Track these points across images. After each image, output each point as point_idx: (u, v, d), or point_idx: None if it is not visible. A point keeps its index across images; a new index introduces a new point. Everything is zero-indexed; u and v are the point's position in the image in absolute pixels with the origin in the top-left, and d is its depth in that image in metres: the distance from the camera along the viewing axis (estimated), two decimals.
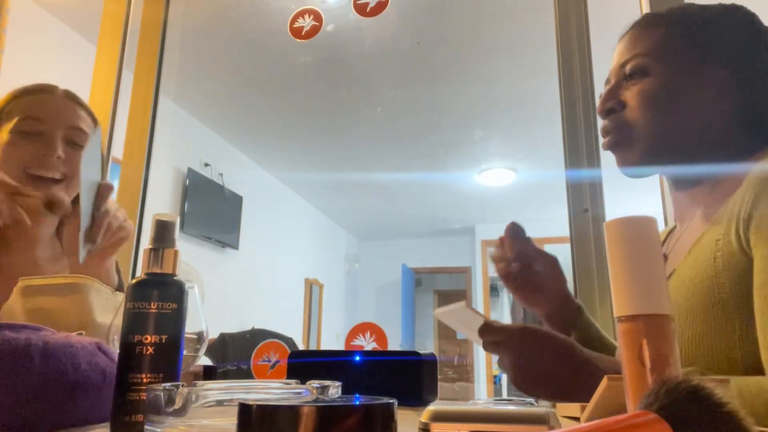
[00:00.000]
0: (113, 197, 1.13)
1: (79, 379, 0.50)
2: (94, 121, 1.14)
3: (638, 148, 0.75)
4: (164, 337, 0.45)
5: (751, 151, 0.70)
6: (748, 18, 0.75)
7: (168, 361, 0.45)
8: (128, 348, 0.45)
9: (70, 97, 1.12)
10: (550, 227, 3.72)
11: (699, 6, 0.77)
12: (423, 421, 0.37)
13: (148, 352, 0.45)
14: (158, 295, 0.46)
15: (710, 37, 0.74)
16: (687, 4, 0.79)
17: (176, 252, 0.48)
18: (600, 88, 0.84)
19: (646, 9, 1.29)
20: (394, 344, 5.71)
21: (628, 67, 0.77)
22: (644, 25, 0.78)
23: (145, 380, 0.44)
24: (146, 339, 0.45)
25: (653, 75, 0.74)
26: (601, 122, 0.80)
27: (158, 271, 0.47)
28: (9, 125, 1.04)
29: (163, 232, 0.48)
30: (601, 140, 0.80)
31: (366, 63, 3.25)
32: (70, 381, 0.49)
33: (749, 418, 0.25)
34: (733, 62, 0.72)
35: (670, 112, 0.73)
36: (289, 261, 5.55)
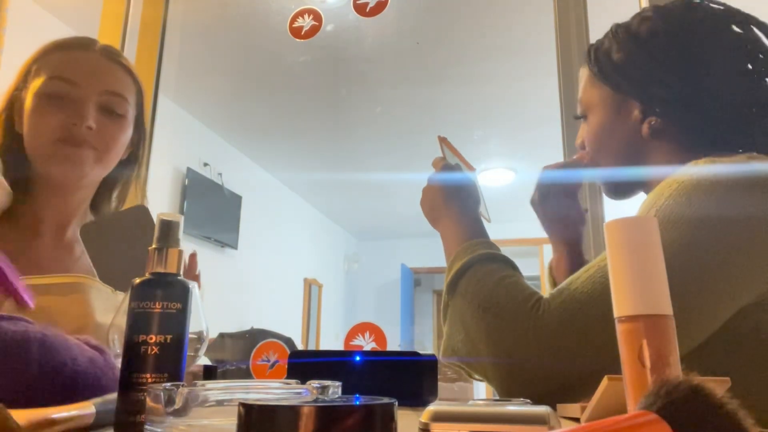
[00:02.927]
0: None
1: (78, 369, 0.51)
2: (137, 86, 0.98)
3: (603, 186, 0.87)
4: (169, 336, 0.45)
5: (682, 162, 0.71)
6: (683, 27, 0.74)
7: (172, 360, 0.45)
8: (132, 348, 0.45)
9: (110, 56, 0.95)
10: None
11: (626, 31, 0.79)
12: (423, 421, 0.37)
13: (152, 352, 0.45)
14: (162, 295, 0.46)
15: (620, 74, 0.78)
16: (610, 31, 0.81)
17: (180, 252, 0.48)
18: None
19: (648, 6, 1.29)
20: (393, 344, 5.71)
21: (577, 112, 0.87)
22: (583, 64, 0.85)
23: (149, 380, 0.44)
24: (151, 339, 0.45)
25: (589, 119, 0.84)
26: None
27: (162, 270, 0.47)
28: (35, 86, 0.88)
29: (167, 231, 0.48)
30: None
31: (366, 63, 3.25)
32: (69, 372, 0.50)
33: (749, 418, 0.25)
34: (644, 93, 0.75)
35: (605, 152, 0.82)
36: (289, 261, 5.55)
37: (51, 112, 0.87)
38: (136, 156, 1.02)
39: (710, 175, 0.61)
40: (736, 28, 0.73)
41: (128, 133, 0.96)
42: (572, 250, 0.95)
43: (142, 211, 0.85)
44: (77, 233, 0.94)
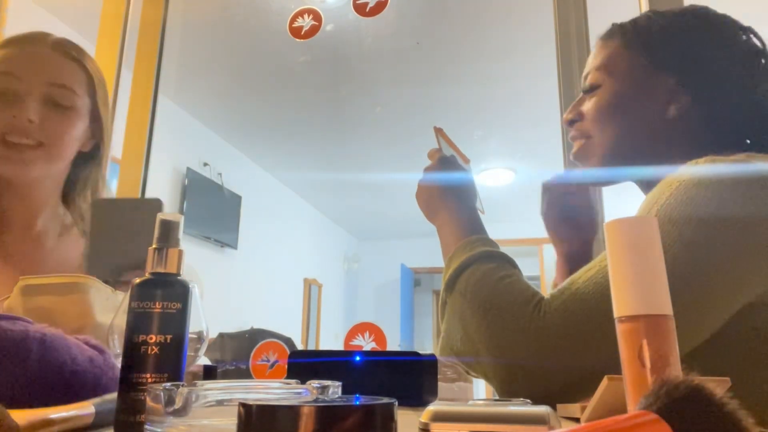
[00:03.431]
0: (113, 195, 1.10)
1: (77, 369, 0.51)
2: (89, 78, 0.96)
3: (595, 160, 0.80)
4: (169, 336, 0.45)
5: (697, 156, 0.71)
6: (706, 23, 0.76)
7: (172, 360, 0.45)
8: (133, 348, 0.45)
9: (59, 48, 0.94)
10: None
11: (658, 14, 0.78)
12: (423, 421, 0.37)
13: (152, 352, 0.45)
14: (162, 295, 0.46)
15: (659, 46, 0.75)
16: (645, 14, 0.80)
17: (180, 251, 0.48)
18: None
19: (645, 9, 1.29)
20: (393, 344, 5.71)
21: (586, 81, 0.81)
22: (604, 38, 0.82)
23: (149, 380, 0.44)
24: (151, 339, 0.45)
25: (603, 88, 0.78)
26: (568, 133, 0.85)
27: (162, 270, 0.47)
28: None
29: (167, 231, 0.48)
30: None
31: (365, 63, 3.25)
32: (69, 371, 0.50)
33: (750, 418, 0.25)
34: (682, 69, 0.74)
35: (617, 123, 0.77)
36: (288, 261, 5.55)
37: None
38: (95, 153, 1.01)
39: (711, 174, 0.60)
40: (742, 34, 0.74)
41: (79, 125, 0.95)
42: (580, 259, 0.92)
43: (156, 205, 0.84)
44: (48, 227, 0.96)
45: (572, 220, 0.94)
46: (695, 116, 0.73)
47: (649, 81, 0.75)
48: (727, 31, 0.75)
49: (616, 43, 0.79)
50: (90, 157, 1.02)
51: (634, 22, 0.79)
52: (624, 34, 0.78)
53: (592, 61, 0.82)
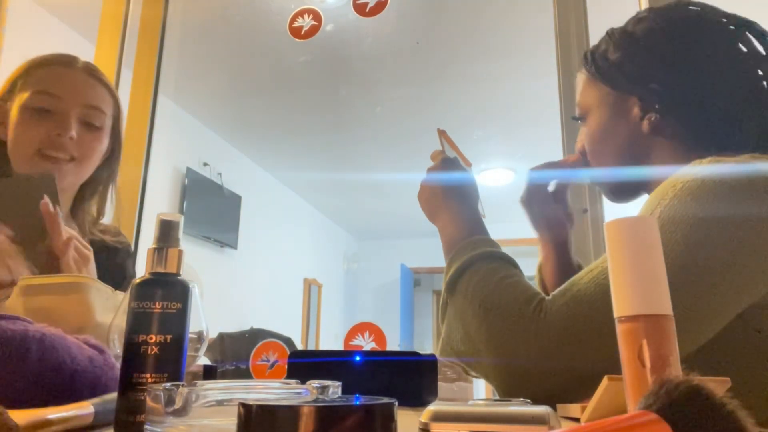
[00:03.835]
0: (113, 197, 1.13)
1: (77, 369, 0.51)
2: (114, 100, 1.07)
3: (605, 191, 0.86)
4: (169, 336, 0.45)
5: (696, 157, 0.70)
6: (662, 26, 0.75)
7: (172, 360, 0.45)
8: (132, 348, 0.45)
9: (91, 72, 1.04)
10: None
11: (613, 32, 0.80)
12: (423, 421, 0.37)
13: (152, 352, 0.45)
14: (162, 295, 0.46)
15: (615, 72, 0.78)
16: (605, 34, 0.82)
17: (180, 251, 0.48)
18: None
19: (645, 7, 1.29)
20: (393, 344, 5.70)
21: (576, 113, 0.86)
22: (579, 70, 0.85)
23: (149, 380, 0.44)
24: (150, 339, 0.45)
25: (588, 122, 0.83)
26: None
27: (162, 270, 0.47)
28: (21, 99, 0.97)
29: (167, 231, 0.48)
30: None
31: (365, 63, 3.25)
32: (68, 371, 0.50)
33: (749, 418, 0.25)
34: (639, 88, 0.75)
35: (607, 154, 0.81)
36: (288, 261, 5.55)
37: (36, 123, 0.96)
38: (110, 162, 1.10)
39: (714, 175, 0.60)
40: (732, 28, 0.73)
41: (105, 143, 1.05)
42: (559, 250, 0.95)
43: (47, 181, 0.88)
44: None
45: (549, 219, 0.96)
46: (666, 126, 0.74)
47: (618, 105, 0.78)
48: (707, 29, 0.73)
49: (584, 77, 0.83)
50: (99, 170, 1.09)
51: (594, 49, 0.82)
52: (587, 65, 0.82)
53: (577, 94, 0.86)
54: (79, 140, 0.98)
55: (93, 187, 1.09)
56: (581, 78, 0.85)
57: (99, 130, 1.02)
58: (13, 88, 1.00)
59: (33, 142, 0.96)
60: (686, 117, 0.73)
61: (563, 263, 0.94)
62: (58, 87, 0.98)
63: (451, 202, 0.81)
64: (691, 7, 0.76)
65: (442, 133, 0.87)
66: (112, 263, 1.08)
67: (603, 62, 0.79)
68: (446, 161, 0.86)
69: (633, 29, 0.77)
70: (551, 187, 0.94)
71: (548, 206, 0.94)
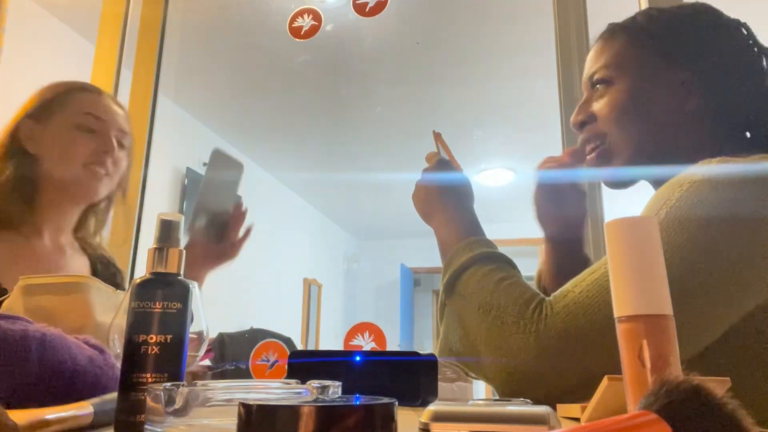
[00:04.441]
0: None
1: (77, 369, 0.51)
2: (129, 123, 1.22)
3: (619, 161, 0.77)
4: (169, 336, 0.45)
5: (719, 152, 0.70)
6: (710, 17, 0.76)
7: (172, 360, 0.46)
8: (133, 348, 0.45)
9: (114, 100, 1.21)
10: None
11: (660, 10, 0.78)
12: (423, 421, 0.37)
13: (152, 352, 0.45)
14: (163, 295, 0.46)
15: (667, 41, 0.75)
16: (646, 11, 0.80)
17: (181, 251, 0.48)
18: None
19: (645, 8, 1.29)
20: (393, 344, 5.70)
21: (594, 79, 0.79)
22: (607, 37, 0.80)
23: (149, 380, 0.44)
24: (151, 339, 0.45)
25: (617, 85, 0.76)
26: (578, 136, 0.83)
27: (163, 270, 0.47)
28: (65, 118, 1.09)
29: (167, 231, 0.48)
30: (588, 156, 0.82)
31: (365, 63, 3.25)
32: (68, 371, 0.50)
33: (749, 418, 0.25)
34: (693, 63, 0.73)
35: (639, 120, 0.75)
36: (288, 261, 5.54)
37: (86, 141, 1.09)
38: (121, 180, 1.22)
39: (722, 175, 0.60)
40: (743, 29, 0.74)
41: (126, 162, 1.19)
42: (570, 248, 0.92)
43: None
44: (70, 239, 1.16)
45: (566, 215, 0.93)
46: (710, 109, 0.72)
47: (663, 77, 0.74)
48: (731, 25, 0.75)
49: (623, 41, 0.77)
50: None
51: (634, 19, 0.78)
52: (628, 31, 0.77)
53: (597, 59, 0.80)
54: (115, 158, 1.13)
55: (99, 204, 1.20)
56: (606, 43, 0.79)
57: (126, 149, 1.17)
58: (48, 108, 1.11)
59: (80, 157, 1.08)
60: (726, 104, 0.72)
61: (572, 262, 0.92)
62: (102, 111, 1.12)
63: (447, 203, 0.80)
64: (718, 10, 0.76)
65: (437, 137, 0.88)
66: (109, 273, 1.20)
67: (651, 29, 0.76)
68: (442, 162, 0.85)
69: (678, 14, 0.76)
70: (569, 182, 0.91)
71: (566, 202, 0.91)
